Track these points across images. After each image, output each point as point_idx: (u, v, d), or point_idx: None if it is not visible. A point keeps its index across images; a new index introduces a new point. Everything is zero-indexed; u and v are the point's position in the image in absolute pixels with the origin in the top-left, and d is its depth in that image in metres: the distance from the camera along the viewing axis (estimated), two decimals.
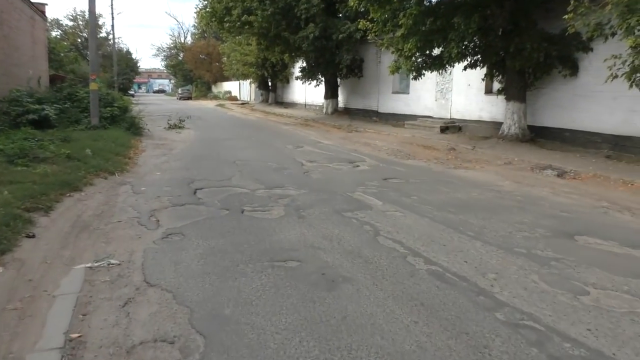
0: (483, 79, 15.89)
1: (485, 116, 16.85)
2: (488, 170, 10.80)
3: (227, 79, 61.46)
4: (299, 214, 6.35)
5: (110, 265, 4.49)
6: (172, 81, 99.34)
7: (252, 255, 4.79)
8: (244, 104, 44.69)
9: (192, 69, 65.66)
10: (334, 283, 4.12)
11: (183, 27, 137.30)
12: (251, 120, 26.46)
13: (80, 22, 70.44)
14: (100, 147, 11.04)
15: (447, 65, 14.12)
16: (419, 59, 14.61)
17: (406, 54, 13.67)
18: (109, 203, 6.93)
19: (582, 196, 8.16)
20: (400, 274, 4.36)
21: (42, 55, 24.48)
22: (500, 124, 15.73)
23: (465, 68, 14.67)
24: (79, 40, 70.85)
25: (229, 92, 58.43)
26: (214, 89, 67.55)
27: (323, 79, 25.51)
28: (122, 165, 9.84)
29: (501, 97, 15.56)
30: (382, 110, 23.67)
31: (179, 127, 19.11)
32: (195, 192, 7.68)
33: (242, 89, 54.00)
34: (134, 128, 16.11)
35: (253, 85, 47.70)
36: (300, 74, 26.43)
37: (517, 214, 6.64)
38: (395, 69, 15.04)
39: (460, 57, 13.13)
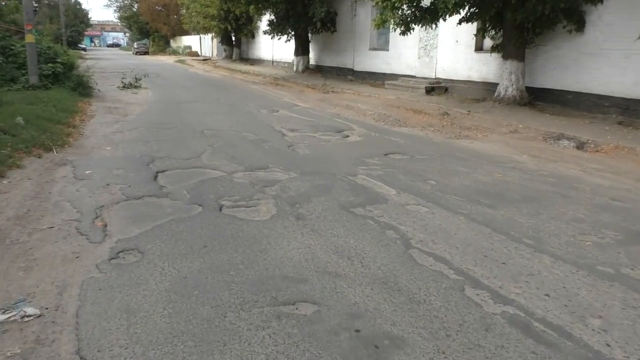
0: (476, 35, 14.35)
1: (475, 76, 15.45)
2: (494, 140, 9.46)
3: (186, 33, 57.92)
4: (296, 213, 4.83)
5: (25, 318, 2.89)
6: (127, 35, 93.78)
7: (245, 292, 3.27)
8: (205, 60, 41.96)
9: (149, 22, 61.54)
10: (379, 351, 2.65)
11: None
12: (215, 78, 24.31)
13: None
14: (37, 113, 9.09)
15: (440, 18, 12.49)
16: (408, 11, 12.92)
17: (395, 3, 11.94)
18: (40, 195, 5.21)
19: (619, 175, 6.92)
20: (469, 326, 2.93)
21: None
22: (492, 84, 14.41)
23: (460, 22, 13.10)
24: None
25: (189, 47, 55.12)
26: (173, 44, 63.77)
27: (293, 34, 23.41)
28: (64, 138, 7.99)
29: (495, 55, 14.17)
30: (358, 68, 21.96)
31: (135, 87, 16.98)
32: (156, 177, 6.02)
33: (204, 44, 50.87)
34: (82, 88, 13.99)
35: (215, 40, 44.80)
36: (268, 28, 24.26)
37: (564, 206, 5.31)
38: (381, 23, 13.32)
39: (457, 8, 11.50)
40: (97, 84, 15.25)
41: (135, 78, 17.29)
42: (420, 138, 9.52)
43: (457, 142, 9.22)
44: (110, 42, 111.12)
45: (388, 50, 19.75)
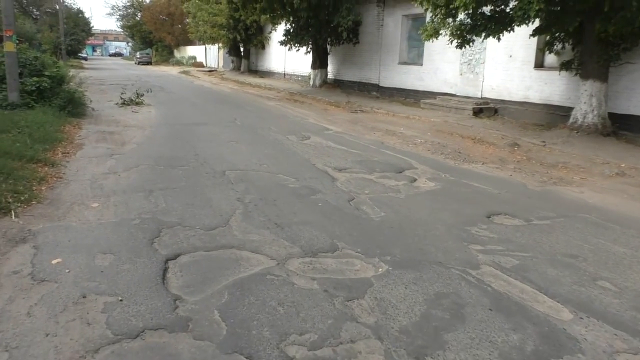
0: (545, 49, 12.03)
1: (534, 97, 13.17)
2: (606, 188, 7.17)
3: (191, 42, 55.98)
4: None
5: None
6: (130, 44, 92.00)
7: None
8: (211, 71, 39.80)
9: (152, 31, 59.56)
10: None
11: None
12: (225, 92, 22.04)
13: None
14: (4, 146, 6.76)
15: (513, 27, 10.20)
16: (467, 20, 10.65)
17: (459, 8, 9.66)
18: None
19: None
20: None
21: None
22: (557, 108, 12.23)
23: (534, 33, 10.81)
24: None
25: (194, 58, 53.04)
26: (177, 54, 61.74)
27: (311, 45, 21.16)
28: (33, 187, 5.67)
29: (565, 74, 11.89)
30: (384, 84, 19.71)
31: (137, 104, 14.68)
32: (165, 273, 3.68)
33: (209, 54, 48.80)
34: (73, 106, 11.70)
35: (222, 51, 42.69)
36: (284, 38, 22.02)
37: None
38: (433, 34, 11.03)
39: (539, 15, 9.20)
40: (91, 101, 12.94)
41: (137, 93, 15.00)
42: (508, 183, 7.20)
43: (560, 190, 6.91)
44: (112, 51, 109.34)
45: (422, 64, 17.51)
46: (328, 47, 22.19)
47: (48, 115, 10.13)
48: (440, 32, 10.97)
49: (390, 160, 8.42)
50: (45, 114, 10.12)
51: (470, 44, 11.10)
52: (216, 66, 44.90)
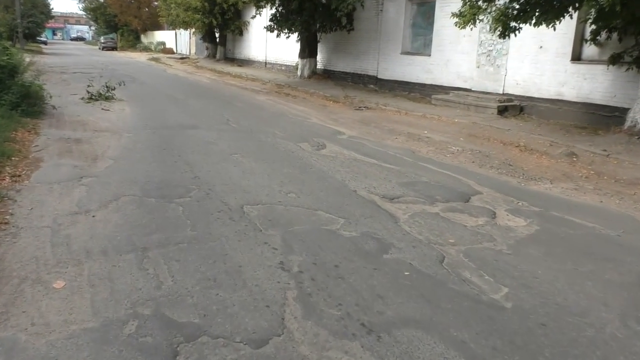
0: (590, 40, 10.36)
1: (570, 94, 11.54)
2: None
3: (160, 27, 52.80)
4: None
5: None
6: (93, 28, 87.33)
7: None
8: (183, 58, 37.16)
9: (117, 14, 55.97)
10: None
11: None
12: (204, 83, 19.80)
13: None
14: None
15: (569, 12, 8.46)
16: (514, 3, 8.86)
17: None
18: None
19: None
20: None
21: None
22: (600, 107, 10.78)
23: (595, 21, 9.07)
24: None
25: (163, 44, 49.98)
26: (144, 39, 58.33)
27: (299, 31, 19.05)
28: None
29: (613, 69, 10.29)
30: (384, 76, 17.85)
31: (107, 99, 12.42)
32: None
33: (180, 40, 45.91)
34: (28, 104, 9.44)
35: (194, 37, 40.00)
36: (270, 23, 19.86)
37: None
38: (469, 20, 9.19)
39: None
40: (51, 96, 10.62)
41: (107, 86, 12.70)
42: (611, 216, 5.54)
43: None
44: (74, 35, 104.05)
45: (429, 55, 15.71)
46: (318, 34, 20.13)
47: None
48: (480, 18, 9.14)
49: (442, 180, 6.60)
50: None
51: (516, 32, 9.30)
52: (188, 53, 42.18)
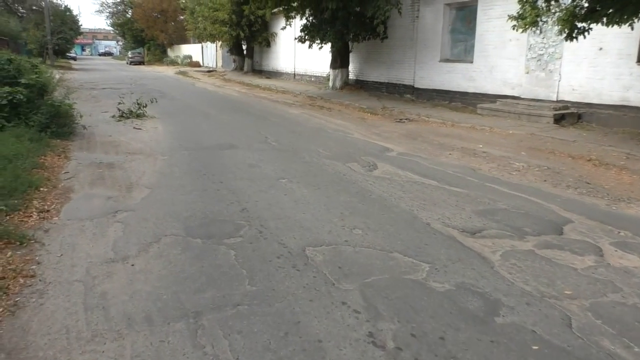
0: None
1: (637, 99, 10.58)
2: None
3: (186, 41, 53.10)
4: None
5: None
6: (121, 43, 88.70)
7: None
8: (210, 71, 36.90)
9: (144, 29, 56.40)
10: None
11: None
12: (234, 97, 19.25)
13: None
14: None
15: None
16: (583, 1, 7.95)
17: None
18: None
19: None
20: None
21: None
22: None
23: None
24: None
25: (189, 57, 50.03)
26: (171, 53, 58.66)
27: (333, 41, 18.32)
28: None
29: None
30: (421, 85, 17.00)
31: (138, 116, 11.88)
32: None
33: (206, 53, 45.84)
34: (58, 124, 8.90)
35: (220, 49, 39.79)
36: (301, 34, 19.22)
37: None
38: (532, 21, 8.31)
39: None
40: (81, 116, 10.09)
41: (138, 103, 12.17)
42: None
43: None
44: (102, 50, 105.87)
45: (471, 62, 14.82)
46: (350, 44, 19.41)
47: (23, 140, 7.37)
48: (544, 19, 8.26)
49: (520, 205, 5.74)
50: (18, 138, 7.35)
51: (585, 34, 8.38)
52: (214, 66, 42.00)
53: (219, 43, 34.98)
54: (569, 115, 11.63)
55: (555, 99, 12.30)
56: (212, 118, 12.62)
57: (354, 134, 10.91)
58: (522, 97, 13.16)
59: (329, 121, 12.77)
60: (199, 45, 46.56)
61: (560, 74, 12.19)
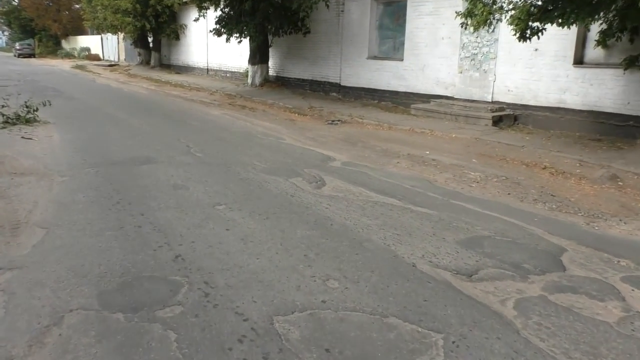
0: (597, 42, 9.16)
1: (574, 102, 10.37)
2: None
3: (83, 32, 48.86)
4: None
5: None
6: (7, 33, 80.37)
7: None
8: (113, 65, 33.96)
9: (34, 18, 51.13)
10: None
11: None
12: (144, 95, 17.36)
13: None
14: None
15: (609, 7, 7.10)
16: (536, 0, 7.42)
17: None
18: None
19: None
20: None
21: None
22: (610, 116, 9.59)
23: (619, 19, 7.79)
24: None
25: (88, 50, 46.04)
26: (66, 45, 53.77)
27: (253, 34, 17.01)
28: None
29: (621, 73, 9.20)
30: (348, 83, 16.23)
31: (27, 121, 9.95)
32: None
33: (107, 45, 42.32)
34: None
35: (123, 42, 36.78)
36: (217, 26, 17.71)
37: None
38: (484, 19, 7.66)
39: None
40: None
41: (27, 105, 10.19)
42: None
43: None
44: None
45: (402, 60, 14.22)
46: (270, 38, 18.20)
47: None
48: (497, 17, 7.63)
49: (503, 229, 5.02)
50: None
51: (540, 34, 7.85)
52: (117, 60, 38.84)
53: (122, 35, 32.19)
54: (506, 117, 11.30)
55: (490, 100, 11.95)
56: (120, 122, 10.92)
57: (287, 139, 9.81)
58: (456, 97, 12.72)
59: (255, 124, 11.55)
60: (99, 36, 42.91)
61: (495, 74, 11.84)
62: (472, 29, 8.45)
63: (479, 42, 12.10)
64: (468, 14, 7.95)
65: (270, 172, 6.93)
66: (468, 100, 12.32)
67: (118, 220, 4.74)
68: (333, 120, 12.26)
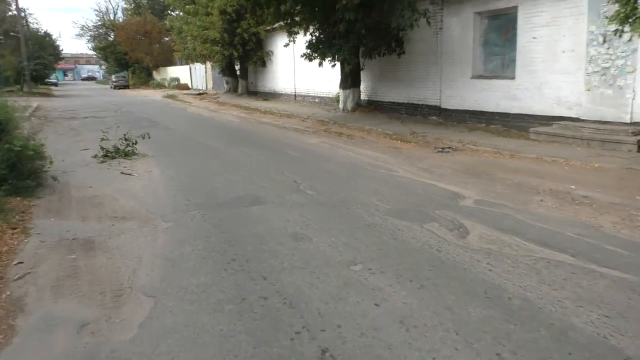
0: None
1: None
2: None
3: (172, 63, 50.99)
4: None
5: None
6: (104, 67, 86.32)
7: None
8: (201, 94, 34.68)
9: (127, 52, 54.11)
10: None
11: (111, 1, 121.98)
12: (236, 124, 17.00)
13: None
14: None
15: None
16: None
17: None
18: None
19: None
20: None
21: None
22: None
23: None
24: None
25: (177, 80, 47.82)
26: (157, 76, 56.40)
27: (347, 57, 16.18)
28: None
29: None
30: (449, 105, 14.94)
31: (126, 155, 9.57)
32: None
33: (195, 75, 43.66)
34: (18, 175, 6.56)
35: (209, 70, 37.66)
36: (308, 50, 17.10)
37: None
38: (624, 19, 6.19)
39: None
40: (51, 162, 7.68)
41: (126, 138, 9.86)
42: None
43: None
44: (84, 75, 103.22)
45: (513, 78, 12.78)
46: (362, 60, 17.32)
47: None
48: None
49: None
50: None
51: None
52: (205, 88, 39.82)
53: (209, 64, 32.83)
54: None
55: (629, 121, 10.25)
56: (218, 154, 10.33)
57: (399, 170, 8.72)
58: (583, 118, 11.09)
59: (358, 153, 10.58)
60: (187, 66, 44.42)
61: (634, 91, 10.15)
62: (630, 35, 6.97)
63: (611, 54, 10.47)
64: (625, 17, 6.52)
65: (398, 215, 5.85)
66: (599, 122, 10.67)
67: (237, 286, 3.83)
68: (443, 148, 11.04)
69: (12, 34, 53.04)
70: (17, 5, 36.26)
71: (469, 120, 14.20)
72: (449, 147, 11.09)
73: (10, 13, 55.94)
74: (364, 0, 12.42)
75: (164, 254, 4.51)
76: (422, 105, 16.01)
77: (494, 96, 13.42)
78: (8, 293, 3.70)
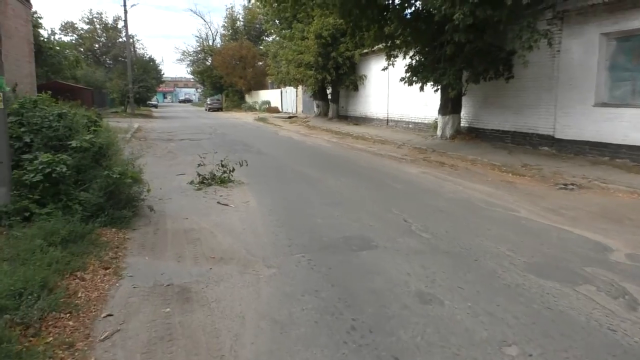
0: None
1: None
2: None
3: (264, 86, 52.20)
4: None
5: None
6: (199, 90, 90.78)
7: None
8: (291, 117, 34.85)
9: (223, 76, 56.21)
10: None
11: (211, 28, 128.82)
12: (328, 149, 16.44)
13: (98, 26, 62.42)
14: None
15: None
16: None
17: None
18: None
19: None
20: None
21: (24, 54, 17.49)
22: None
23: None
24: (96, 46, 62.79)
25: (268, 103, 48.76)
26: (249, 99, 58.04)
27: (452, 82, 15.16)
28: None
29: None
30: (565, 135, 13.43)
31: (222, 182, 9.18)
32: None
33: (285, 98, 44.24)
34: (115, 205, 6.22)
35: (300, 94, 37.88)
36: (408, 74, 16.27)
37: None
38: None
39: None
40: (148, 190, 7.36)
41: (222, 165, 9.51)
42: None
43: None
44: (182, 97, 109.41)
45: None
46: (464, 85, 16.20)
47: (55, 239, 4.64)
48: None
49: None
50: (48, 239, 4.64)
51: None
52: (294, 111, 40.11)
53: (300, 88, 32.94)
54: None
55: None
56: (315, 183, 9.70)
57: (521, 211, 7.59)
58: None
59: (467, 187, 9.52)
60: (278, 90, 45.15)
61: None
62: None
63: None
64: None
65: (540, 273, 4.80)
66: None
67: None
68: (565, 184, 9.72)
69: (120, 59, 57.06)
70: (126, 32, 38.59)
71: (588, 153, 12.65)
72: (572, 184, 9.74)
73: (120, 39, 60.43)
74: (477, 20, 11.38)
75: (270, 313, 3.80)
76: (532, 134, 14.60)
77: (621, 126, 11.83)
78: (93, 359, 3.13)
